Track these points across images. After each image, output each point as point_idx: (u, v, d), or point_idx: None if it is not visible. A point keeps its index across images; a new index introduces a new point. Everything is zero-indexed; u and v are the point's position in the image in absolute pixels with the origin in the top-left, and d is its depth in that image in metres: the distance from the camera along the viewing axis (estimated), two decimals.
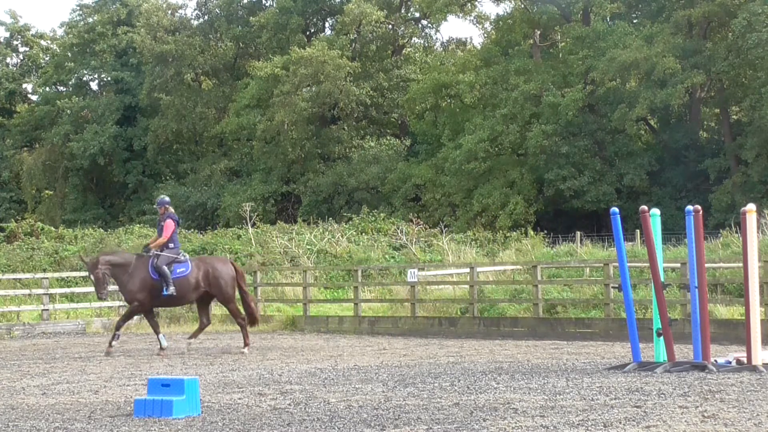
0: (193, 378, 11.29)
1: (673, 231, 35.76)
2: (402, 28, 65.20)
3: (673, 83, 48.30)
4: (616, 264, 18.60)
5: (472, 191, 52.79)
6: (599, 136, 51.89)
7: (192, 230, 42.35)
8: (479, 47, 63.29)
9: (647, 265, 17.28)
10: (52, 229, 40.35)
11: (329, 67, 57.51)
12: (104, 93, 71.75)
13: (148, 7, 66.92)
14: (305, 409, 11.19)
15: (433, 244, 36.51)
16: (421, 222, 42.04)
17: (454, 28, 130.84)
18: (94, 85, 73.86)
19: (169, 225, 19.26)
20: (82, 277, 30.20)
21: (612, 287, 20.99)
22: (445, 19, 60.03)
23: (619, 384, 12.77)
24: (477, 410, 10.73)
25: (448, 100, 57.18)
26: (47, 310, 26.97)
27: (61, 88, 73.86)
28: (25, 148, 70.53)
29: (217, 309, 28.41)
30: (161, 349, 19.13)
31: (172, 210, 19.68)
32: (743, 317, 15.40)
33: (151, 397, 10.93)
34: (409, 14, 66.01)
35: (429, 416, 10.40)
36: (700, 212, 14.81)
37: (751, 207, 14.38)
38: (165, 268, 18.94)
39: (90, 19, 72.06)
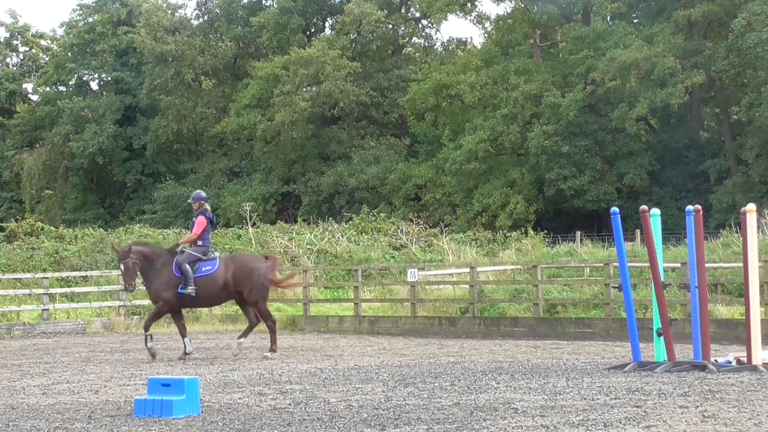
0: (193, 378, 11.29)
1: (673, 231, 35.77)
2: (402, 28, 65.17)
3: (673, 83, 48.29)
4: (617, 264, 18.61)
5: (472, 191, 52.78)
6: (600, 135, 51.88)
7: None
8: (479, 47, 63.27)
9: (647, 264, 17.28)
10: (52, 229, 40.29)
11: (329, 67, 57.52)
12: (104, 93, 71.68)
13: (148, 7, 66.85)
14: (305, 408, 11.18)
15: (433, 243, 36.49)
16: (422, 222, 42.01)
17: (455, 28, 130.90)
18: (94, 85, 73.83)
19: (201, 222, 18.27)
20: (82, 276, 30.21)
21: (612, 287, 20.99)
22: (445, 19, 59.94)
23: (619, 384, 12.76)
24: (477, 410, 10.73)
25: (449, 101, 57.14)
26: (47, 310, 26.96)
27: (62, 88, 73.76)
28: (26, 148, 70.44)
29: (216, 309, 28.41)
30: (185, 353, 18.08)
31: (207, 207, 18.68)
32: (743, 317, 15.39)
33: (151, 396, 10.93)
34: (409, 14, 65.96)
35: (429, 416, 10.39)
36: (701, 212, 14.81)
37: (751, 207, 14.37)
38: (187, 265, 17.99)
39: (90, 19, 71.97)
